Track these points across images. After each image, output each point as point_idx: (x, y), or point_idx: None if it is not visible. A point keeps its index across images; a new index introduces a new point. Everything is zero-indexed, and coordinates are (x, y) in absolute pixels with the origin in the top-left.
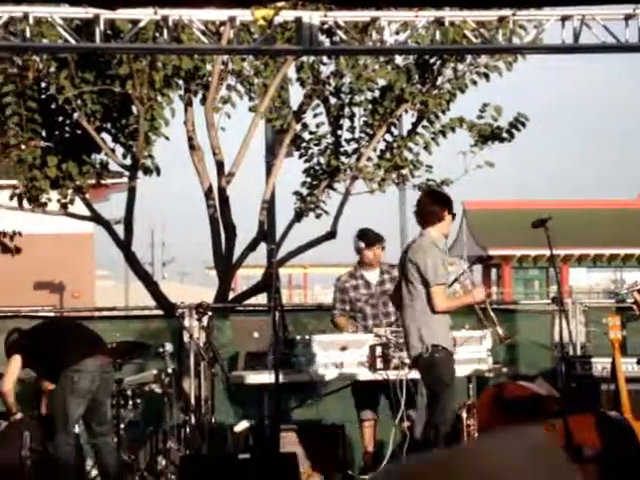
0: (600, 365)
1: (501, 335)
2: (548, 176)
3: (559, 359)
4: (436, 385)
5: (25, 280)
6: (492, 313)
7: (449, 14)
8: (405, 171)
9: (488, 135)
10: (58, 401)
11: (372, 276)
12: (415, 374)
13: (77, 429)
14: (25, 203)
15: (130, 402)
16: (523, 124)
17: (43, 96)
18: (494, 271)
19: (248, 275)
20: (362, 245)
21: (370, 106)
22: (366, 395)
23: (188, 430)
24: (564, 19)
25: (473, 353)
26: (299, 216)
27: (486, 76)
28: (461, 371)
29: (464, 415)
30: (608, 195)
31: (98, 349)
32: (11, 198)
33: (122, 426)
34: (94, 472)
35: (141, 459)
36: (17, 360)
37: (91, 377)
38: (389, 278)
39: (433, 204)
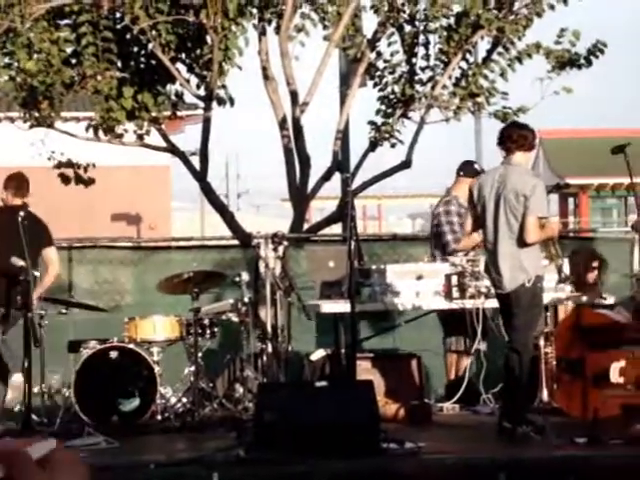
0: None
1: (563, 274)
2: (627, 102)
3: (638, 286)
4: (530, 313)
5: (102, 212)
6: (558, 248)
7: None
8: (481, 99)
9: (565, 61)
10: None
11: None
12: (492, 303)
13: None
14: (101, 135)
15: (208, 331)
16: (602, 51)
17: (118, 26)
18: (571, 200)
19: (322, 207)
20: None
21: (445, 33)
22: (452, 324)
23: (265, 358)
24: None
25: (551, 281)
26: (374, 145)
27: (564, 0)
28: None
29: (542, 343)
30: None
31: None
32: (87, 129)
33: (200, 355)
34: None
35: (219, 387)
36: None
37: None
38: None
39: (523, 129)
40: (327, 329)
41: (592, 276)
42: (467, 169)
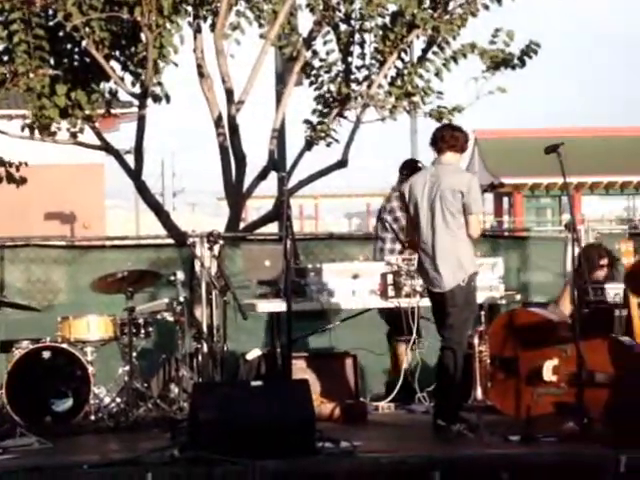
0: (613, 291)
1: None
2: (562, 103)
3: (571, 285)
4: (465, 311)
5: (36, 211)
6: None
7: None
8: (416, 98)
9: (500, 61)
10: None
11: None
12: (427, 302)
13: None
14: (35, 133)
15: (142, 330)
16: (535, 52)
17: (51, 23)
18: (506, 200)
19: (258, 206)
20: None
21: (381, 32)
22: (397, 321)
23: (200, 358)
24: None
25: (485, 280)
26: (310, 145)
27: (498, 0)
28: None
29: (476, 342)
30: (622, 122)
31: None
32: (22, 129)
33: (134, 354)
34: None
35: (154, 387)
36: None
37: None
38: None
39: (456, 131)
40: (263, 328)
41: (601, 274)
42: (410, 166)
